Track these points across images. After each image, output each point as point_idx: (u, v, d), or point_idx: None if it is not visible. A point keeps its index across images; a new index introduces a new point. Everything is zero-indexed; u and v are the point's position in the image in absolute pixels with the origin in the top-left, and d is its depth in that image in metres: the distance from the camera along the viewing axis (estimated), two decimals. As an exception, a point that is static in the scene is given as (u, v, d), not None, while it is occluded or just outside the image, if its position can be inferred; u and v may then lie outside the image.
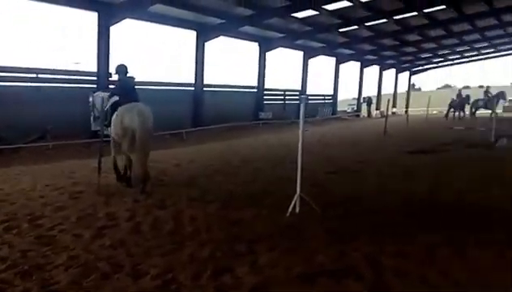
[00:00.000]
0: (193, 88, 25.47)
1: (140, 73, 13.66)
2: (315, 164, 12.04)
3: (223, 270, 5.01)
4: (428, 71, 55.45)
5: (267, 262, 5.22)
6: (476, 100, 33.96)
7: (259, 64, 30.53)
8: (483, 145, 15.95)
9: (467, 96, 34.32)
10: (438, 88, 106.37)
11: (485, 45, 43.43)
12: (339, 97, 43.48)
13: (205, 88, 26.14)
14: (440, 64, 52.51)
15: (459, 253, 5.44)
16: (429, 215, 7.20)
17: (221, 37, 25.68)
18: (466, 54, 48.21)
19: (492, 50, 47.46)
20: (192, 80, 25.45)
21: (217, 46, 26.46)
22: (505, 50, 48.32)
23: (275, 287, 4.55)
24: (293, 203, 7.33)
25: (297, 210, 7.29)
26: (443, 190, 8.93)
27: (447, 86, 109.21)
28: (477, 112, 33.92)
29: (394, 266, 5.05)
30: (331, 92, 41.19)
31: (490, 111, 30.39)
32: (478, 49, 45.84)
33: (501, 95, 33.51)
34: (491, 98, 32.21)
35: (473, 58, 51.21)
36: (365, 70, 45.06)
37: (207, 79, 26.22)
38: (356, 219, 7.00)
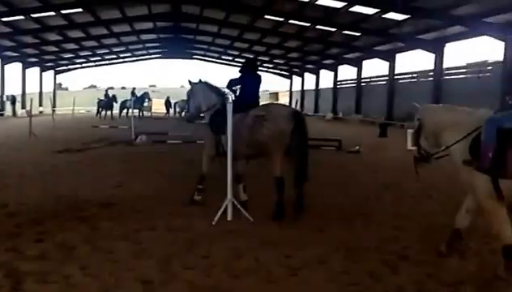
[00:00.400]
0: None
1: None
2: None
3: None
4: (76, 71, 54.93)
5: None
6: (124, 101, 35.35)
7: None
8: (125, 142, 16.78)
9: (114, 96, 35.46)
10: (85, 88, 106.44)
11: (123, 49, 45.84)
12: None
13: None
14: (84, 65, 52.65)
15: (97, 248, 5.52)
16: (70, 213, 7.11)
17: None
18: (106, 57, 49.74)
19: (129, 55, 50.40)
20: None
21: None
22: (140, 55, 52.11)
23: None
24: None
25: None
26: (86, 188, 8.95)
27: (93, 86, 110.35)
28: (125, 111, 35.21)
29: (33, 270, 4.75)
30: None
31: (138, 110, 32.25)
32: (117, 53, 47.92)
33: (146, 95, 36.04)
34: (138, 98, 34.09)
35: (113, 61, 53.26)
36: (7, 67, 41.38)
37: None
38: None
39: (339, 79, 41.85)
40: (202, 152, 7.80)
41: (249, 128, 6.86)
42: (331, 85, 42.36)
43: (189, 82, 8.18)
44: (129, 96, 34.89)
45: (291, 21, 28.36)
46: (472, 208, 5.06)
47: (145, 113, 37.38)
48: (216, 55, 50.53)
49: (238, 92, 7.54)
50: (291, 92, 55.70)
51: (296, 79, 52.93)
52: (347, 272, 4.78)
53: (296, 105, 26.56)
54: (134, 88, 37.13)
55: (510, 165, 4.28)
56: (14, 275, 4.61)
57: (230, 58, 50.94)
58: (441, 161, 5.43)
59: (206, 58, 53.77)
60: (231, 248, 5.45)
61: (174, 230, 6.18)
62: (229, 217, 6.65)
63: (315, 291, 4.36)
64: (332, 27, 28.12)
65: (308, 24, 28.41)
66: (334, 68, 41.70)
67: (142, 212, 7.14)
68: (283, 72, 53.97)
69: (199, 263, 5.01)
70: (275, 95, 64.36)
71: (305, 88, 50.56)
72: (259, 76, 7.70)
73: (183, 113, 28.36)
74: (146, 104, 37.41)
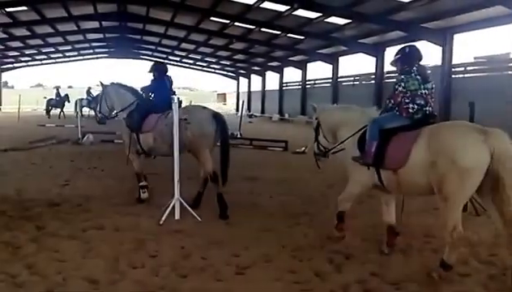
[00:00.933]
0: None
1: None
2: None
3: None
4: (22, 70, 52.59)
5: None
6: (81, 99, 33.89)
7: None
8: (72, 141, 16.29)
9: (67, 95, 34.36)
10: (31, 87, 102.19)
11: (69, 48, 44.34)
12: None
13: None
14: (30, 63, 50.46)
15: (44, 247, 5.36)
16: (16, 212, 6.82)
17: None
18: (52, 56, 47.92)
19: (75, 54, 48.80)
20: None
21: None
22: (87, 54, 50.60)
23: None
24: None
25: None
26: (33, 187, 8.59)
27: (40, 85, 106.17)
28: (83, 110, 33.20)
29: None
30: None
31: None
32: (63, 52, 46.31)
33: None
34: (93, 98, 32.75)
35: (60, 60, 51.41)
36: None
37: None
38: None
39: (284, 80, 42.19)
40: (125, 151, 7.84)
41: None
42: (277, 87, 42.68)
43: (101, 83, 8.31)
44: (81, 96, 33.75)
45: (236, 23, 28.36)
46: (389, 201, 5.51)
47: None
48: (164, 56, 49.68)
49: (153, 95, 7.88)
50: (238, 94, 55.76)
51: (243, 81, 53.03)
52: (294, 271, 4.79)
53: (242, 106, 26.46)
54: (89, 88, 35.69)
55: (388, 159, 4.96)
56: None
57: (177, 59, 50.26)
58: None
59: (153, 59, 52.78)
60: (179, 247, 5.40)
61: (122, 230, 6.06)
62: (177, 216, 6.58)
63: (262, 289, 4.37)
64: (277, 30, 28.30)
65: (253, 27, 28.50)
66: (279, 70, 41.98)
67: (89, 211, 6.95)
68: (229, 73, 53.91)
69: (147, 262, 4.94)
70: (223, 96, 64.31)
71: (251, 89, 50.73)
72: (169, 77, 8.03)
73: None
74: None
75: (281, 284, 4.48)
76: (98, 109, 8.26)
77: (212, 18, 27.95)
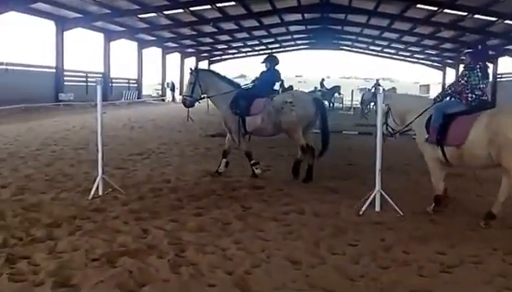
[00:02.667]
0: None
1: None
2: (120, 146, 11.74)
3: (18, 257, 4.55)
4: (228, 62, 57.86)
5: (67, 246, 4.88)
6: (313, 91, 33.05)
7: (57, 43, 28.34)
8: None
9: (336, 87, 34.29)
10: (235, 78, 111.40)
11: (272, 40, 47.08)
12: (145, 82, 42.89)
13: (-4, 66, 23.39)
14: (235, 55, 55.21)
15: (249, 226, 5.79)
16: (224, 192, 7.53)
17: (12, 12, 23.11)
18: (256, 48, 51.51)
19: (277, 46, 51.59)
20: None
21: (7, 21, 23.81)
22: (288, 46, 53.06)
23: (74, 271, 4.27)
24: (95, 185, 7.02)
25: (100, 192, 7.01)
26: (238, 170, 9.39)
27: (243, 76, 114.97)
28: None
29: (193, 241, 5.16)
30: (136, 77, 40.38)
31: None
32: (266, 44, 49.37)
33: (337, 89, 34.57)
34: (329, 90, 33.67)
35: (261, 52, 54.90)
36: (168, 56, 45.11)
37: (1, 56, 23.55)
38: (158, 198, 7.01)
39: (499, 71, 38.38)
40: (228, 133, 8.90)
41: (277, 111, 8.24)
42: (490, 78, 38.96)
43: (194, 69, 9.13)
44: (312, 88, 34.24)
45: (446, 10, 26.69)
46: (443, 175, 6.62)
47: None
48: (364, 46, 49.50)
49: (258, 81, 9.07)
50: (443, 85, 52.45)
51: (450, 71, 49.66)
52: (505, 275, 4.39)
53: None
54: (322, 79, 35.88)
55: (450, 137, 6.10)
56: (177, 243, 5.07)
57: (378, 49, 49.57)
58: None
59: (353, 49, 52.99)
60: (378, 239, 5.35)
61: (322, 216, 6.24)
62: (377, 208, 6.52)
63: (469, 291, 4.08)
64: (492, 16, 25.85)
65: (465, 13, 26.48)
66: (493, 60, 38.31)
67: (290, 195, 7.31)
68: (435, 64, 51.07)
69: (347, 250, 5.00)
70: (426, 87, 61.28)
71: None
72: (278, 71, 9.14)
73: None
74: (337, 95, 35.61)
75: (490, 288, 4.13)
76: (189, 93, 8.90)
77: (419, 5, 26.80)
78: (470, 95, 6.25)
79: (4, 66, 24.36)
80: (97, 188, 7.02)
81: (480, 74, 6.23)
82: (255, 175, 8.70)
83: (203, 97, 9.09)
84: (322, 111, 8.52)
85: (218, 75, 9.16)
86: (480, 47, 6.51)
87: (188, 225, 5.71)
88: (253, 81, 9.31)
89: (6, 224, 5.55)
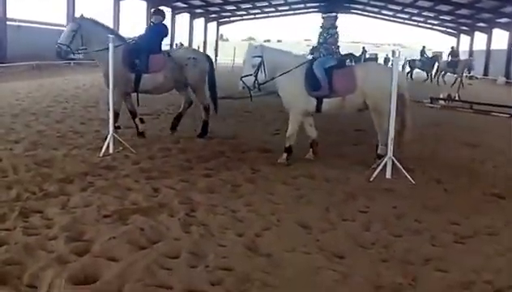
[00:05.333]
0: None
1: None
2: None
3: (31, 211, 4.60)
4: (236, 24, 57.12)
5: (79, 202, 4.92)
6: (413, 60, 32.23)
7: (68, 0, 27.98)
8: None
9: (437, 56, 31.11)
10: (243, 40, 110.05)
11: (281, 2, 46.29)
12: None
13: (8, 22, 23.10)
14: (244, 17, 54.41)
15: (259, 188, 5.80)
16: (233, 154, 7.54)
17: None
18: (265, 10, 50.68)
19: (287, 8, 50.75)
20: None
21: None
22: (297, 9, 52.18)
23: (86, 226, 4.32)
24: (106, 143, 7.02)
25: (111, 150, 7.03)
26: (247, 133, 9.33)
27: (251, 38, 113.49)
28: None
29: (203, 201, 5.18)
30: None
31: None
32: (275, 6, 48.55)
33: (436, 58, 31.59)
34: (429, 59, 31.57)
35: (271, 14, 54.11)
36: (177, 17, 44.48)
37: (11, 13, 23.24)
38: (168, 158, 7.02)
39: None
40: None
41: (181, 68, 8.28)
42: (505, 47, 38.18)
43: (80, 16, 8.25)
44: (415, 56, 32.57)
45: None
46: (311, 122, 7.38)
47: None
48: (376, 10, 48.55)
49: (146, 36, 8.53)
50: (423, 49, 51.45)
51: (464, 39, 48.72)
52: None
53: (463, 66, 23.99)
54: (424, 47, 33.08)
55: (339, 89, 6.84)
56: (188, 203, 5.09)
57: (391, 14, 48.62)
58: None
59: (365, 13, 52.02)
60: (390, 206, 5.33)
61: (331, 181, 6.24)
62: (388, 175, 6.49)
63: (482, 262, 4.06)
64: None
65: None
66: (509, 28, 37.54)
67: (298, 160, 7.29)
68: (449, 30, 50.07)
69: (358, 216, 5.00)
70: (439, 54, 60.31)
71: (473, 48, 46.40)
72: (165, 26, 8.88)
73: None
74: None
75: (504, 260, 4.10)
76: (67, 41, 7.87)
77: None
78: (337, 50, 7.58)
79: (16, 23, 24.11)
80: (108, 146, 7.02)
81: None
82: (141, 133, 8.37)
83: (82, 50, 8.23)
84: (211, 67, 8.79)
85: (103, 25, 8.32)
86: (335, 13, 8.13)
87: (198, 186, 5.74)
88: (140, 36, 8.62)
89: (19, 178, 5.59)
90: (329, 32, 7.82)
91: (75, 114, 10.44)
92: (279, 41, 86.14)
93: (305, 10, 53.84)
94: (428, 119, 11.87)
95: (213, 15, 50.31)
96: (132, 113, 8.49)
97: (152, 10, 8.99)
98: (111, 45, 7.10)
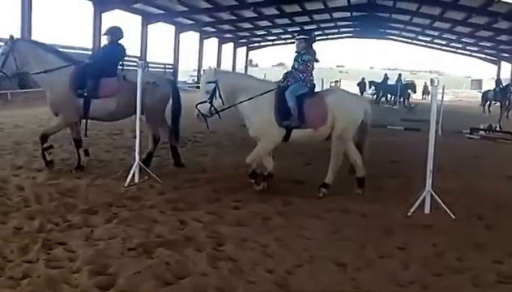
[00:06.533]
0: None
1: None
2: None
3: (54, 243, 4.66)
4: (266, 49, 57.76)
5: (103, 234, 4.97)
6: (487, 91, 31.14)
7: (94, 25, 28.82)
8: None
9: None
10: (273, 66, 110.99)
11: (314, 27, 46.54)
12: (181, 67, 43.18)
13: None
14: (274, 42, 54.98)
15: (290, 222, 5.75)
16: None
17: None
18: (295, 35, 51.12)
19: (320, 33, 51.06)
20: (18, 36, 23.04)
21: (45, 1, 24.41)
22: (331, 34, 52.46)
23: (110, 259, 4.34)
24: (132, 172, 7.10)
25: (136, 180, 7.10)
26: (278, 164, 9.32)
27: (281, 64, 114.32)
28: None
29: (232, 235, 5.16)
30: (172, 62, 40.72)
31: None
32: (307, 32, 48.85)
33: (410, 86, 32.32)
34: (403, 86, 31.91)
35: (303, 40, 54.51)
36: (205, 42, 45.29)
37: (36, 36, 24.08)
38: (195, 189, 7.04)
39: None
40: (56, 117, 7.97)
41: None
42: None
43: (10, 37, 7.54)
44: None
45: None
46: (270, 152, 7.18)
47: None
48: (412, 36, 48.47)
49: (100, 57, 8.33)
50: (497, 80, 50.87)
51: (506, 66, 48.02)
52: None
53: (509, 94, 23.04)
54: (498, 77, 33.71)
55: (311, 120, 6.82)
56: (215, 237, 5.08)
57: (428, 40, 48.46)
58: None
59: (400, 39, 51.96)
60: (430, 243, 5.22)
61: (367, 216, 6.15)
62: (427, 210, 6.37)
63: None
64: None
65: (524, 3, 25.57)
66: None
67: (332, 193, 7.21)
68: (488, 57, 49.52)
69: (395, 253, 4.91)
70: (478, 82, 59.65)
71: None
72: (122, 45, 8.23)
73: None
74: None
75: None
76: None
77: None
78: (311, 78, 7.13)
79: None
80: (133, 175, 7.10)
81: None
82: (47, 161, 7.68)
83: (18, 74, 7.70)
84: (175, 93, 8.41)
85: (43, 45, 7.95)
86: (312, 34, 7.66)
87: (226, 218, 5.74)
88: (92, 56, 8.37)
89: (42, 208, 5.70)
90: (303, 58, 7.07)
91: (99, 142, 10.62)
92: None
93: (339, 36, 54.15)
94: (467, 152, 11.72)
95: (242, 40, 51.03)
96: (76, 142, 7.96)
97: (108, 27, 8.25)
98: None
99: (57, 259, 4.31)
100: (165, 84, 8.35)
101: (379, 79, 34.78)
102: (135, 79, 7.39)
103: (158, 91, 7.93)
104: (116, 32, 8.12)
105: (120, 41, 8.16)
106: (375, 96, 33.01)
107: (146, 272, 4.09)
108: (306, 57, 7.06)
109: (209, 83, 6.74)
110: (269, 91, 6.91)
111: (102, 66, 7.79)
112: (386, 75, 35.22)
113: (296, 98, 6.80)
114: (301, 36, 7.32)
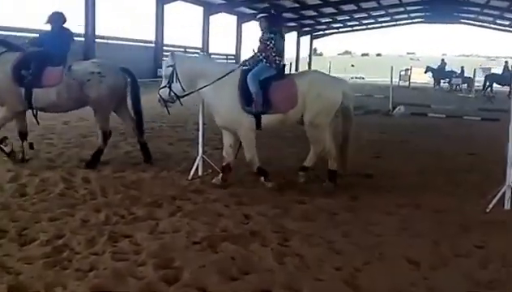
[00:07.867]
0: (83, 39, 23.94)
1: None
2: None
3: (120, 236, 4.82)
4: (330, 37, 57.18)
5: (168, 227, 5.09)
6: (492, 74, 31.09)
7: (156, 16, 29.58)
8: (382, 112, 16.89)
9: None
10: (339, 54, 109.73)
11: (382, 13, 45.60)
12: (243, 57, 43.51)
13: (97, 40, 24.85)
14: (340, 30, 54.34)
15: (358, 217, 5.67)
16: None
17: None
18: (364, 22, 50.26)
19: (388, 19, 49.94)
20: (81, 30, 23.92)
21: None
22: (400, 20, 51.17)
23: (175, 253, 4.44)
24: (195, 165, 7.23)
25: (199, 173, 7.22)
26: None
27: (347, 52, 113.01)
28: None
29: (298, 230, 5.14)
30: (234, 52, 41.11)
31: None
32: (375, 18, 47.97)
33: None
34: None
35: (370, 26, 53.55)
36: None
37: (99, 30, 24.97)
38: (259, 182, 7.05)
39: None
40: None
41: (82, 84, 7.34)
42: None
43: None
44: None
45: None
46: (233, 143, 6.90)
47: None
48: (490, 19, 46.43)
49: (44, 44, 7.75)
50: None
51: None
52: None
53: None
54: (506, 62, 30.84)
55: (278, 104, 6.50)
56: (281, 231, 5.09)
57: (507, 23, 46.26)
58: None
59: (476, 23, 49.91)
60: (510, 241, 4.99)
61: (442, 211, 5.95)
62: (507, 206, 6.09)
63: None
64: None
65: None
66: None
67: (403, 187, 7.06)
68: None
69: (473, 252, 4.73)
70: None
71: None
72: (68, 29, 7.92)
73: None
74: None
75: None
76: None
77: None
78: (277, 58, 6.67)
79: (105, 40, 25.82)
80: (197, 168, 7.22)
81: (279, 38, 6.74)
82: (7, 153, 7.56)
83: None
84: (132, 83, 7.97)
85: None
86: (273, 12, 7.15)
87: (291, 213, 5.73)
88: (34, 42, 7.93)
89: (108, 201, 5.91)
90: (263, 37, 6.67)
91: (163, 134, 10.89)
92: (378, 55, 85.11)
93: (409, 21, 52.77)
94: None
95: (306, 28, 50.70)
96: (21, 135, 7.77)
97: (49, 14, 7.82)
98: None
99: (123, 251, 4.46)
100: (115, 74, 7.72)
101: (456, 69, 33.82)
102: (77, 70, 7.42)
103: (105, 81, 7.48)
104: (55, 18, 7.83)
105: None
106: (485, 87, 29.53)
107: (210, 266, 4.15)
108: (266, 36, 6.65)
109: (168, 67, 6.73)
110: (226, 74, 6.57)
111: (46, 54, 7.59)
112: (442, 60, 35.04)
113: (260, 82, 6.49)
114: (262, 15, 6.94)
